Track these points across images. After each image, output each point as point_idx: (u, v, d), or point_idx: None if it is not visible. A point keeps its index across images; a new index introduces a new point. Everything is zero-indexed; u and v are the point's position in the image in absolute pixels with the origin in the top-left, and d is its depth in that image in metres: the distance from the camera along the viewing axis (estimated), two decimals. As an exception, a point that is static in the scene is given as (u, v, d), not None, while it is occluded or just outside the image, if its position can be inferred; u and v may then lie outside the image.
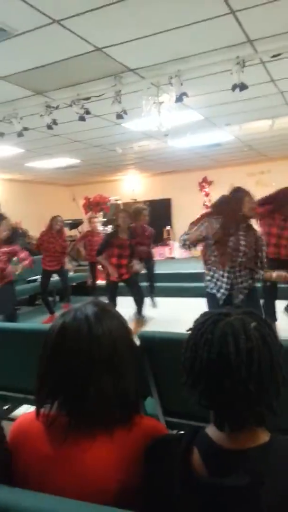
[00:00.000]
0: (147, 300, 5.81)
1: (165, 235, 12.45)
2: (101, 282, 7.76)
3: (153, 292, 6.19)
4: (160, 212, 11.40)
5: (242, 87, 4.05)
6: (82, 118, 4.82)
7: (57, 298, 7.73)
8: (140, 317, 5.07)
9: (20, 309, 6.36)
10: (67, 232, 8.05)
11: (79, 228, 10.09)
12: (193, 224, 5.90)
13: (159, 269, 6.79)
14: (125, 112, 4.66)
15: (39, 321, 6.07)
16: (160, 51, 3.99)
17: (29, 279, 7.36)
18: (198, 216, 5.76)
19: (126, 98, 4.65)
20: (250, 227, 3.34)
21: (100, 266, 7.28)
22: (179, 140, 7.67)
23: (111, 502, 0.94)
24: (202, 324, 0.92)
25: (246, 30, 3.65)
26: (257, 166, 11.19)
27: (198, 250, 6.04)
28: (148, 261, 5.91)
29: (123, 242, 4.96)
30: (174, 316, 5.99)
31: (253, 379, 0.84)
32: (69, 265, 6.92)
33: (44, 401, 1.04)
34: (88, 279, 8.71)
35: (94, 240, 7.29)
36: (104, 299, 7.59)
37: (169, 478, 0.91)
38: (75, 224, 9.99)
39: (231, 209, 3.24)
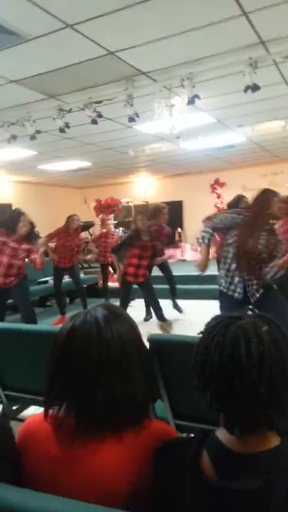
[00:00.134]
0: (169, 304, 5.79)
1: (176, 237, 12.44)
2: (111, 284, 7.81)
3: (175, 294, 6.13)
4: (171, 214, 11.35)
5: (255, 88, 4.04)
6: (94, 121, 4.84)
7: (67, 299, 7.77)
8: (163, 322, 5.02)
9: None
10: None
11: (90, 230, 10.13)
12: (208, 219, 5.88)
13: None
14: (137, 115, 4.67)
15: (50, 322, 6.10)
16: (172, 54, 4.00)
17: (39, 280, 7.41)
18: (211, 213, 5.74)
19: (138, 101, 4.66)
20: (272, 230, 3.29)
21: (111, 268, 7.34)
22: (191, 142, 7.67)
23: (121, 504, 0.94)
24: (213, 327, 0.92)
25: (259, 31, 3.64)
26: (269, 167, 11.12)
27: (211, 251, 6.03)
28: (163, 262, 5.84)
29: (145, 244, 4.95)
30: (185, 318, 6.00)
31: (265, 383, 0.84)
32: (89, 256, 7.02)
33: (53, 403, 1.05)
34: (99, 281, 8.74)
35: (108, 242, 7.32)
36: (115, 301, 7.63)
37: (179, 480, 0.91)
38: (86, 226, 10.03)
39: (255, 211, 3.21)
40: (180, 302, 6.13)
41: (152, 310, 5.08)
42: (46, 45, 3.63)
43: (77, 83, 4.54)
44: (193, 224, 11.85)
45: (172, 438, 1.06)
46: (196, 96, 4.30)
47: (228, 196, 11.90)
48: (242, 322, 0.90)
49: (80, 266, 7.93)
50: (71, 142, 7.16)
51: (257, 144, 8.68)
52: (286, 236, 4.13)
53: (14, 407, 2.72)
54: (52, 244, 6.30)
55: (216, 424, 0.95)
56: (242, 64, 4.03)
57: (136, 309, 5.99)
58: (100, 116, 4.84)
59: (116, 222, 9.99)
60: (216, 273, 8.00)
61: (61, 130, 5.07)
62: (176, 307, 6.11)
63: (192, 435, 2.04)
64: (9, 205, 10.87)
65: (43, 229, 8.69)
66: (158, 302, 5.08)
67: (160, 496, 0.95)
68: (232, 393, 0.85)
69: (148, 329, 5.09)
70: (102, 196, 8.94)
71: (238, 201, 5.61)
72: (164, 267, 5.91)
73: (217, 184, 12.16)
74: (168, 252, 6.61)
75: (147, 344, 1.76)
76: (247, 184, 11.18)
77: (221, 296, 3.34)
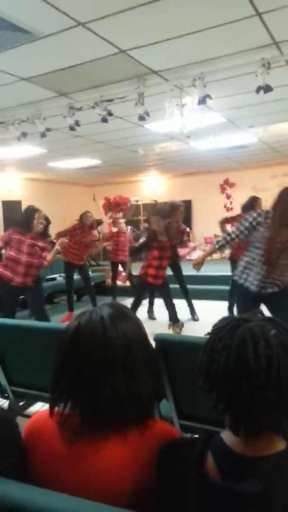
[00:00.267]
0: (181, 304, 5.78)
1: (185, 237, 12.41)
2: (119, 282, 7.83)
3: (189, 296, 6.10)
4: (180, 213, 11.37)
5: (267, 89, 4.01)
6: (104, 120, 4.84)
7: (75, 297, 7.80)
8: (175, 323, 5.00)
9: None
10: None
11: (99, 228, 10.16)
12: (226, 222, 5.82)
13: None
14: (147, 114, 4.66)
15: (57, 319, 6.13)
16: (184, 53, 3.99)
17: (47, 277, 7.46)
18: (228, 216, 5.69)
19: (149, 99, 4.65)
20: None
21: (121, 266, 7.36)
22: (201, 141, 7.65)
23: (125, 503, 0.94)
24: (221, 329, 0.92)
25: (272, 32, 3.62)
26: (280, 168, 11.06)
27: (226, 253, 6.00)
28: (175, 262, 5.79)
29: (163, 244, 4.91)
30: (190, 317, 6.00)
31: (272, 386, 0.83)
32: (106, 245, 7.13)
33: (58, 400, 1.05)
34: (107, 279, 8.77)
35: (120, 241, 7.35)
36: (122, 299, 7.64)
37: (182, 481, 0.91)
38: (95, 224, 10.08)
39: (280, 210, 3.18)
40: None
41: (167, 310, 5.05)
42: (57, 43, 3.64)
43: (88, 81, 4.54)
44: (202, 224, 11.85)
45: (176, 438, 1.06)
46: (208, 96, 4.29)
47: (237, 196, 11.90)
48: (250, 325, 0.89)
49: (88, 264, 7.95)
50: (81, 140, 7.18)
51: (268, 145, 8.64)
52: None
53: (21, 403, 2.74)
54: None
55: (221, 426, 0.95)
56: (254, 64, 4.00)
57: (145, 308, 6.00)
58: (110, 114, 4.84)
59: (124, 220, 10.00)
60: (225, 273, 7.98)
61: (71, 128, 5.08)
62: (193, 314, 6.08)
63: (196, 435, 2.05)
64: (19, 202, 10.92)
65: (53, 227, 8.72)
66: (174, 304, 5.06)
67: (164, 496, 0.95)
68: (238, 395, 0.85)
69: (154, 329, 5.11)
70: (111, 194, 8.95)
71: (252, 202, 5.59)
72: (176, 266, 5.88)
73: (226, 184, 12.13)
74: (182, 250, 6.54)
75: (153, 343, 1.76)
76: (257, 185, 11.14)
77: (239, 291, 3.32)
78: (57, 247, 4.65)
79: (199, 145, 7.95)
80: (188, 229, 12.54)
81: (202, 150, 8.65)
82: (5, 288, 4.50)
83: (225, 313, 5.60)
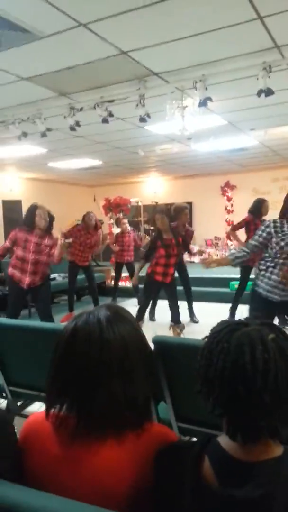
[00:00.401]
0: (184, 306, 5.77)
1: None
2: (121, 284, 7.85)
3: (191, 300, 6.12)
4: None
5: (268, 92, 4.01)
6: (105, 121, 4.85)
7: (75, 297, 7.80)
8: (176, 324, 5.01)
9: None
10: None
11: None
12: (235, 229, 5.78)
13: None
14: (148, 115, 4.67)
15: (57, 319, 6.13)
16: (186, 55, 3.99)
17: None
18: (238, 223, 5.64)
19: (150, 101, 4.66)
20: None
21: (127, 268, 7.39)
22: (202, 144, 7.65)
23: (122, 506, 0.94)
24: (218, 333, 0.92)
25: (274, 35, 3.62)
26: (282, 172, 11.05)
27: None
28: (181, 263, 5.78)
29: (169, 242, 4.90)
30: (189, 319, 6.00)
31: (269, 391, 0.83)
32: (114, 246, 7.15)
33: (54, 402, 1.05)
34: (107, 279, 8.77)
35: (125, 241, 7.35)
36: (122, 300, 7.64)
37: (179, 485, 0.91)
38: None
39: None
40: (185, 304, 6.11)
41: (170, 310, 5.04)
42: (58, 43, 3.64)
43: (89, 82, 4.54)
44: (203, 226, 11.84)
45: (173, 441, 1.06)
46: (209, 98, 4.29)
47: (238, 199, 11.93)
48: (248, 329, 0.89)
49: (93, 264, 7.95)
50: (81, 140, 7.18)
51: (269, 148, 8.64)
52: None
53: (19, 403, 2.73)
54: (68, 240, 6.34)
55: (219, 429, 0.94)
56: (256, 68, 4.01)
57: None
58: (111, 115, 4.85)
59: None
60: (226, 275, 7.97)
61: (72, 129, 5.08)
62: (192, 315, 6.09)
63: (194, 438, 2.04)
64: (19, 202, 10.91)
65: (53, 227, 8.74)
66: (178, 305, 5.05)
67: (160, 499, 0.95)
68: (235, 399, 0.85)
69: (155, 330, 5.10)
70: (112, 195, 8.95)
71: (259, 205, 5.56)
72: (182, 268, 5.88)
73: (227, 186, 12.13)
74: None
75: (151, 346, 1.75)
76: (258, 188, 11.15)
77: (256, 296, 3.29)
78: (60, 242, 4.59)
79: (200, 147, 7.96)
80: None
81: (203, 152, 8.66)
82: (13, 289, 4.52)
83: (225, 315, 5.60)
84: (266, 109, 5.70)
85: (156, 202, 12.64)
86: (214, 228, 12.01)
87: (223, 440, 0.92)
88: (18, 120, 5.36)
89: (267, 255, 3.24)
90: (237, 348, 0.86)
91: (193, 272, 6.31)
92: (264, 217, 5.53)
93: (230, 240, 11.90)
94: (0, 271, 6.65)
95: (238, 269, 5.63)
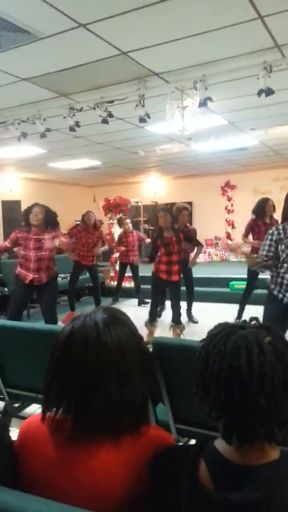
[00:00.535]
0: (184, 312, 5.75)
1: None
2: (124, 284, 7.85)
3: (192, 300, 6.12)
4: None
5: (269, 92, 4.00)
6: (105, 121, 4.84)
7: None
8: (176, 325, 5.00)
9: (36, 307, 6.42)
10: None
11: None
12: (246, 235, 5.74)
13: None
14: (148, 115, 4.66)
15: (58, 319, 6.11)
16: (186, 55, 3.98)
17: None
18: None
19: (150, 101, 4.66)
20: None
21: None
22: (202, 143, 7.65)
23: (118, 509, 0.94)
24: (215, 335, 0.92)
25: (274, 35, 3.61)
26: (282, 171, 11.04)
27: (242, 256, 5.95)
28: (186, 263, 5.73)
29: (169, 240, 4.89)
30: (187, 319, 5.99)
31: (265, 394, 0.83)
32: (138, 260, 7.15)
33: (51, 404, 1.05)
34: (106, 279, 8.76)
35: (129, 241, 7.36)
36: (123, 300, 7.63)
37: (176, 489, 0.90)
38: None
39: None
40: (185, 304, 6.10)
41: (172, 310, 5.04)
42: (58, 44, 3.64)
43: (89, 82, 4.54)
44: (203, 226, 11.83)
45: (169, 445, 1.05)
46: (209, 98, 4.29)
47: (238, 199, 11.92)
48: (244, 332, 0.89)
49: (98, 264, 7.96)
50: (81, 140, 7.18)
51: (270, 147, 8.63)
52: None
53: (16, 405, 2.73)
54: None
55: (218, 431, 0.94)
56: (256, 67, 4.01)
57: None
58: (111, 115, 4.84)
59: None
60: (224, 275, 7.95)
61: (71, 129, 5.08)
62: (190, 315, 6.09)
63: (193, 440, 2.04)
64: (18, 202, 10.90)
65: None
66: (180, 306, 5.05)
67: (157, 503, 0.95)
68: (231, 402, 0.84)
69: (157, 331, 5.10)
70: (112, 195, 8.94)
71: (262, 204, 5.54)
72: (186, 269, 5.86)
73: (228, 186, 12.12)
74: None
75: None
76: (258, 187, 11.14)
77: (271, 299, 3.26)
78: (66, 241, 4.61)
79: (200, 147, 7.95)
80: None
81: (203, 152, 8.65)
82: (18, 285, 4.54)
83: (224, 315, 5.59)
84: (267, 108, 5.69)
85: (156, 202, 12.63)
86: (214, 228, 12.00)
87: (219, 443, 0.91)
88: (18, 121, 5.36)
89: (275, 262, 3.23)
90: (234, 351, 0.85)
91: (194, 272, 6.29)
92: (269, 216, 5.51)
93: (231, 240, 11.91)
94: (0, 272, 6.65)
95: (237, 269, 5.61)
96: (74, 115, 4.99)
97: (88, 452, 0.98)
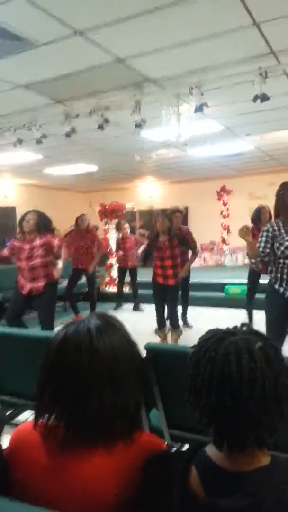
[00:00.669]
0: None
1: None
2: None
3: (186, 303, 6.12)
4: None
5: (264, 98, 4.02)
6: (101, 127, 4.85)
7: (67, 304, 7.76)
8: (174, 329, 4.99)
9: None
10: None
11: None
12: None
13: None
14: (144, 121, 4.68)
15: (56, 325, 6.07)
16: (182, 62, 4.01)
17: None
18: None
19: (146, 107, 4.67)
20: None
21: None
22: (198, 149, 7.68)
23: None
24: (206, 341, 0.92)
25: (270, 41, 3.64)
26: (278, 176, 11.04)
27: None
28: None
29: (161, 245, 4.90)
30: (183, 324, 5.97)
31: (255, 400, 0.83)
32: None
33: (43, 411, 1.04)
34: (107, 285, 8.75)
35: (126, 247, 7.37)
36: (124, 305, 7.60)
37: (167, 495, 0.90)
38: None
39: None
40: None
41: (169, 314, 5.03)
42: (54, 51, 3.65)
43: (85, 89, 4.55)
44: (199, 230, 11.84)
45: (161, 451, 1.05)
46: (205, 104, 4.31)
47: (234, 203, 11.95)
48: (235, 338, 0.89)
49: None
50: (77, 146, 7.19)
51: (265, 152, 8.68)
52: None
53: (9, 412, 2.71)
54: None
55: (211, 436, 0.94)
56: (252, 73, 4.03)
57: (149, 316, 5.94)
58: (107, 121, 4.85)
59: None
60: (219, 280, 7.94)
61: (68, 135, 5.09)
62: (185, 319, 6.08)
63: (186, 445, 2.03)
64: (13, 208, 10.88)
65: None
66: (176, 311, 5.05)
67: (149, 508, 0.94)
68: (222, 408, 0.84)
69: (151, 337, 5.07)
70: (108, 201, 8.95)
71: (258, 213, 5.58)
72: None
73: (223, 191, 12.16)
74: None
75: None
76: (253, 192, 11.17)
77: (271, 296, 3.26)
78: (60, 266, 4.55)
79: (196, 152, 7.98)
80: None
81: (199, 158, 8.68)
82: (15, 292, 4.50)
83: (220, 320, 5.58)
84: (262, 114, 5.73)
85: (152, 207, 12.65)
86: (210, 232, 12.02)
87: (211, 449, 0.91)
88: (14, 127, 5.37)
89: (272, 258, 3.24)
90: (224, 357, 0.85)
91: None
92: (265, 224, 5.52)
93: (226, 244, 11.94)
94: None
95: (232, 274, 5.60)
96: (70, 121, 5.00)
97: (80, 458, 0.98)
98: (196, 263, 9.96)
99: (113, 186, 12.86)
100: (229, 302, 7.21)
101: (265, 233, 3.19)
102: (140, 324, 5.05)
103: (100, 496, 0.95)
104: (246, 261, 3.33)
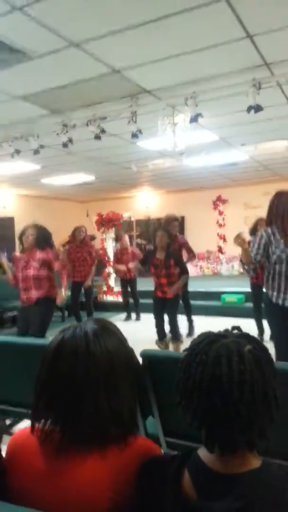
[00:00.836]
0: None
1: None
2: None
3: (189, 311, 6.14)
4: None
5: (257, 109, 4.07)
6: (98, 137, 4.89)
7: (66, 313, 7.76)
8: (174, 340, 5.01)
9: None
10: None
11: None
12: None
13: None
14: (140, 131, 4.72)
15: (52, 334, 6.06)
16: (177, 73, 4.05)
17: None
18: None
19: (142, 118, 4.71)
20: None
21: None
22: (194, 158, 7.73)
23: None
24: (197, 345, 0.93)
25: (263, 53, 3.69)
26: (272, 186, 11.09)
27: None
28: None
29: (158, 262, 4.89)
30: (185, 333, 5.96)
31: (245, 402, 0.84)
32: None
33: (40, 416, 1.05)
34: (99, 294, 8.73)
35: (123, 259, 7.40)
36: (113, 315, 7.58)
37: (160, 498, 0.91)
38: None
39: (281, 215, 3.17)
40: (180, 317, 6.08)
41: (169, 325, 5.04)
42: (51, 63, 3.69)
43: (82, 99, 4.59)
44: (195, 240, 11.87)
45: (155, 455, 1.06)
46: (199, 114, 4.35)
47: (230, 213, 11.99)
48: (226, 341, 0.90)
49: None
50: (74, 156, 7.23)
51: (260, 162, 8.74)
52: None
53: (7, 421, 2.69)
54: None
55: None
56: (245, 84, 4.08)
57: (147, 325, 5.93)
58: (103, 132, 4.89)
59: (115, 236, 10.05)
60: (216, 289, 7.94)
61: (65, 145, 5.11)
62: (191, 331, 6.09)
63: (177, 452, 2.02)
64: (11, 219, 10.87)
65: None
66: (177, 323, 5.06)
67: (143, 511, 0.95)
68: (212, 411, 0.86)
69: (153, 347, 5.07)
70: (105, 210, 8.98)
71: (256, 224, 5.62)
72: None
73: (219, 200, 12.20)
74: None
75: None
76: (249, 202, 11.23)
77: (270, 307, 3.27)
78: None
79: (191, 162, 8.03)
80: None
81: (195, 167, 8.73)
82: (21, 306, 4.53)
83: (218, 328, 5.56)
84: (256, 125, 5.79)
85: (149, 217, 12.68)
86: (206, 241, 12.03)
87: (202, 452, 0.92)
88: (11, 138, 5.40)
89: (267, 264, 3.25)
90: (215, 360, 0.87)
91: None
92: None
93: (222, 253, 11.95)
94: None
95: (230, 282, 5.60)
96: (67, 131, 5.04)
97: (75, 463, 0.99)
98: (193, 272, 9.98)
99: (111, 195, 12.89)
100: (226, 311, 7.22)
101: (259, 240, 3.22)
102: (143, 333, 5.06)
103: (95, 499, 0.96)
104: (241, 269, 3.33)
